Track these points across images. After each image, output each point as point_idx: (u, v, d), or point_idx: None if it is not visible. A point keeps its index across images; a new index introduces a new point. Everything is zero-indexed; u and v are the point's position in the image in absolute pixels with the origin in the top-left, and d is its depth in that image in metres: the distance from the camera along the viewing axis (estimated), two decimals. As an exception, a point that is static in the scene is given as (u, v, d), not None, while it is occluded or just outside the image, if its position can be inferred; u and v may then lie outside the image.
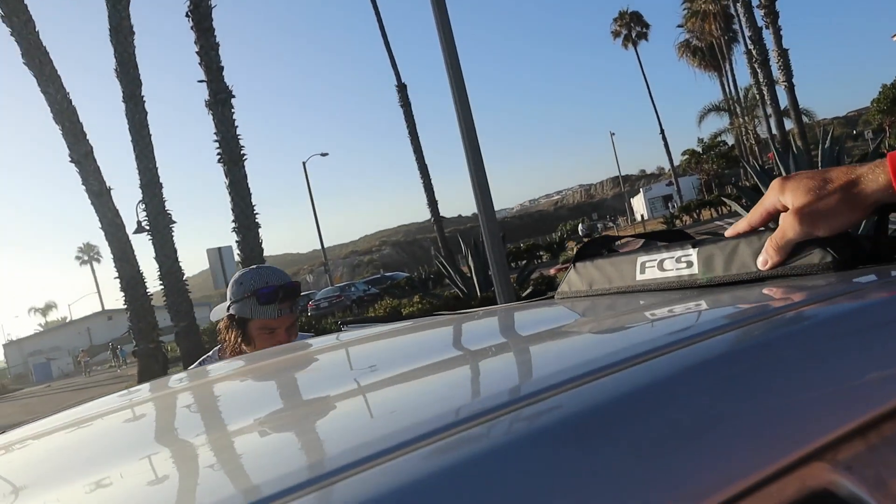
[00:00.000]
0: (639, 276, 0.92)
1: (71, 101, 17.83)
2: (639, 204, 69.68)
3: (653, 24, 60.02)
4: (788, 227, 0.74)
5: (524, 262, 33.71)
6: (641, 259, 0.93)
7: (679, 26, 55.88)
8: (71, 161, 17.87)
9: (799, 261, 0.74)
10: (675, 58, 59.91)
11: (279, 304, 2.22)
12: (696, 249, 0.85)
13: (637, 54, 57.97)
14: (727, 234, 0.86)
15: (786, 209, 0.75)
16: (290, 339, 2.25)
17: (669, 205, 58.47)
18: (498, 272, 7.12)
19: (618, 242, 1.12)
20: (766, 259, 0.77)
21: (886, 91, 53.79)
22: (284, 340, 2.21)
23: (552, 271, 22.38)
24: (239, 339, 2.25)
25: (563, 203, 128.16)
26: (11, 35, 17.30)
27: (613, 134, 62.27)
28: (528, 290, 14.05)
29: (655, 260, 0.90)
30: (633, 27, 57.72)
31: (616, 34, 58.66)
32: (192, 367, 2.29)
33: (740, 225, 0.85)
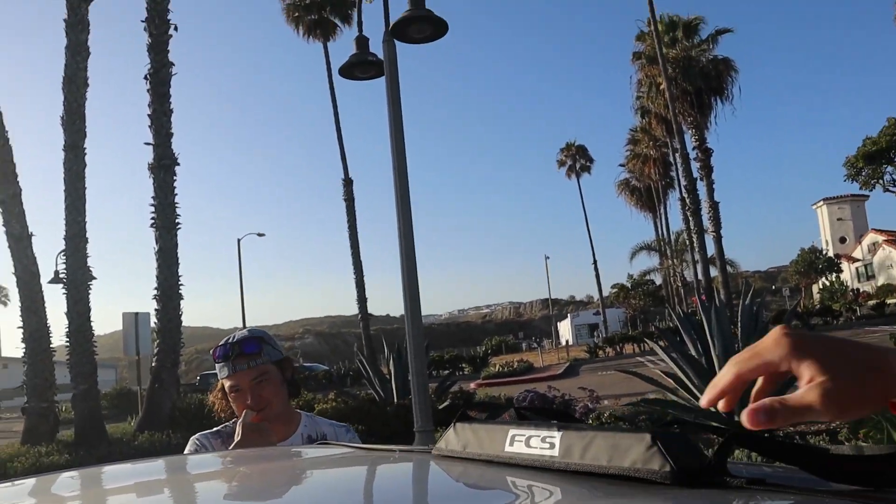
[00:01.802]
0: (507, 448, 0.96)
1: (8, 139, 17.47)
2: (565, 329, 70.73)
3: (597, 159, 63.06)
4: (817, 401, 0.63)
5: (447, 371, 33.57)
6: (512, 432, 0.97)
7: (621, 165, 58.74)
8: (-6, 200, 17.33)
9: (640, 462, 0.79)
10: (614, 194, 62.60)
11: (233, 360, 2.16)
12: (560, 433, 0.90)
13: (579, 185, 60.40)
14: (702, 403, 0.78)
15: (793, 374, 0.67)
16: (264, 397, 2.16)
17: (595, 333, 59.55)
18: (417, 381, 7.08)
19: (498, 410, 1.17)
20: (768, 417, 0.66)
21: (804, 255, 57.28)
22: (253, 400, 2.14)
23: (473, 386, 22.31)
24: (224, 404, 2.24)
25: (492, 317, 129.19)
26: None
27: (548, 258, 64.06)
28: (446, 403, 13.95)
29: (524, 436, 0.95)
30: (577, 159, 60.30)
31: (561, 163, 61.14)
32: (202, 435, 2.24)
33: (721, 381, 0.74)
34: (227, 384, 2.21)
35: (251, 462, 1.40)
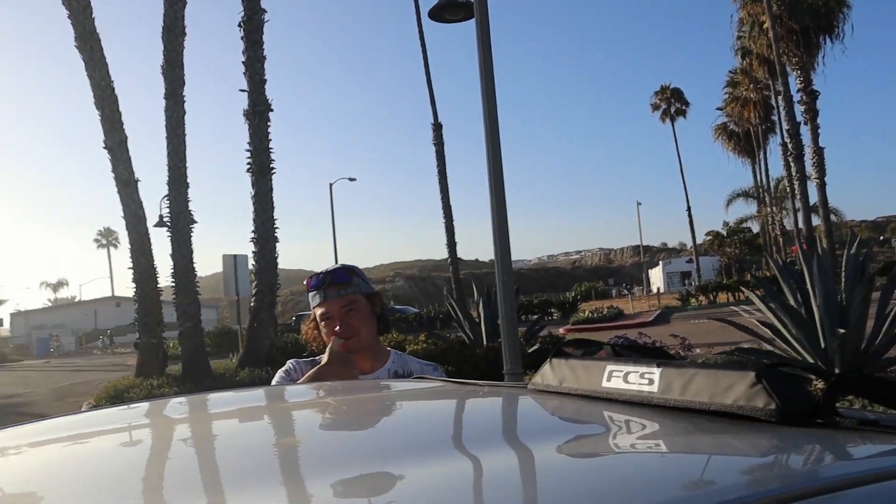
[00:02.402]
0: (604, 384, 0.96)
1: (114, 89, 18.20)
2: (656, 276, 69.47)
3: (693, 103, 60.46)
4: None
5: (535, 316, 33.63)
6: (610, 367, 0.97)
7: (718, 109, 56.09)
8: (104, 147, 18.16)
9: (743, 399, 0.78)
10: (710, 139, 60.24)
11: (325, 289, 2.25)
12: (660, 370, 0.89)
13: (674, 130, 58.25)
14: None
15: None
16: (353, 325, 2.22)
17: (687, 282, 58.25)
18: (506, 326, 7.11)
19: (593, 349, 1.17)
20: None
21: (918, 203, 53.65)
22: (343, 328, 2.21)
23: (562, 331, 22.29)
24: (315, 334, 2.33)
25: (581, 263, 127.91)
26: (68, 17, 17.74)
27: (640, 204, 62.61)
28: (535, 347, 13.98)
29: (622, 371, 0.95)
30: (672, 103, 58.08)
31: (655, 107, 59.05)
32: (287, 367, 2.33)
33: None
34: (318, 312, 2.29)
35: (349, 392, 1.44)
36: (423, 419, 1.14)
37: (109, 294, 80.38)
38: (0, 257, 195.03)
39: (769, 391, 0.75)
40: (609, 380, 0.96)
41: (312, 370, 2.17)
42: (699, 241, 63.70)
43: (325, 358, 2.16)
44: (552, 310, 39.46)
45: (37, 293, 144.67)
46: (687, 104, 58.55)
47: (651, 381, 0.89)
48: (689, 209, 56.91)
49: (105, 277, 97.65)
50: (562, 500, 0.56)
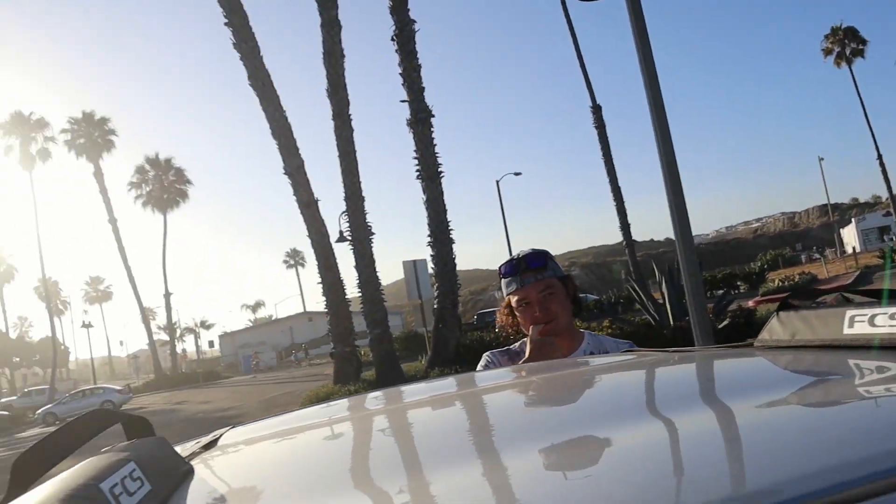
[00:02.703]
0: (846, 331, 0.91)
1: (287, 118, 19.40)
2: (850, 235, 63.99)
3: (870, 40, 54.82)
4: None
5: (721, 291, 32.07)
6: (850, 313, 0.92)
7: (905, 40, 50.65)
8: (284, 173, 19.41)
9: None
10: (895, 75, 54.33)
11: (521, 275, 2.24)
12: (915, 307, 0.83)
13: (851, 73, 53.16)
14: None
15: None
16: (551, 309, 2.22)
17: (886, 237, 53.22)
18: (694, 301, 6.82)
19: (825, 297, 1.10)
20: None
21: None
22: (542, 313, 2.21)
23: (752, 303, 21.13)
24: (510, 321, 2.33)
25: (764, 231, 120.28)
26: (240, 60, 19.12)
27: (822, 159, 57.81)
28: (725, 322, 13.40)
29: (867, 314, 0.89)
30: (847, 44, 52.99)
31: (827, 52, 54.17)
32: (492, 353, 2.37)
33: None
34: (514, 299, 2.27)
35: (560, 369, 1.43)
36: (635, 388, 1.11)
37: (301, 310, 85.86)
38: (207, 287, 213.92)
39: None
40: (851, 326, 0.90)
41: (521, 362, 2.16)
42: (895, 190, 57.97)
43: (527, 347, 2.16)
44: (738, 283, 37.44)
45: (239, 315, 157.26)
46: (864, 42, 53.24)
47: (907, 322, 0.83)
48: (879, 157, 51.85)
49: (296, 295, 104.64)
50: (836, 453, 0.54)
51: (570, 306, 2.30)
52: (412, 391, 1.40)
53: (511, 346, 2.37)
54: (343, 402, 1.42)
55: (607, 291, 41.95)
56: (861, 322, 0.89)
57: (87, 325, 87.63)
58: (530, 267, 2.25)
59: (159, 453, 0.75)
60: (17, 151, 50.72)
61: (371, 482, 0.67)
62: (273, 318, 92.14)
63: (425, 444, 0.85)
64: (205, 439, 1.09)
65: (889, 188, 55.41)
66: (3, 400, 53.60)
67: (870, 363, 0.85)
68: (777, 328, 1.06)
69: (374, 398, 1.37)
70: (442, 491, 0.58)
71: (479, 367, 2.31)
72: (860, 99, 52.27)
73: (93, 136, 51.00)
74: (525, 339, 2.30)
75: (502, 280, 2.32)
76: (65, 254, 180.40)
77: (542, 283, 2.23)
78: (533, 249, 2.32)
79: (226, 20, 18.94)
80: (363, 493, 0.62)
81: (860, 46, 53.27)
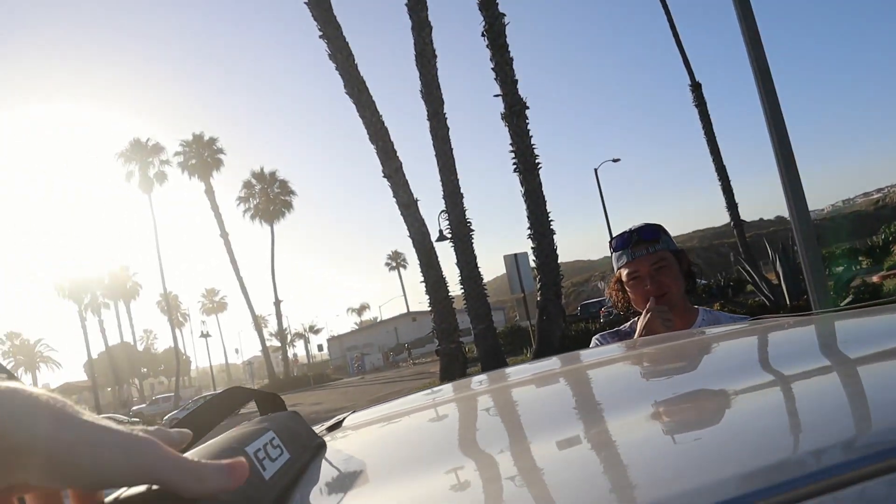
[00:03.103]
0: None
1: (383, 122, 19.74)
2: (985, 200, 59.48)
3: None
4: None
5: (840, 268, 30.46)
6: None
7: None
8: (384, 176, 19.76)
9: None
10: None
11: (632, 248, 2.20)
12: None
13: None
14: None
15: None
16: (664, 282, 2.16)
17: None
18: (814, 278, 6.49)
19: None
20: None
21: None
22: (653, 285, 2.16)
23: (877, 278, 19.97)
24: (620, 296, 2.30)
25: (886, 202, 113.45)
26: (336, 70, 19.59)
27: (950, 120, 53.59)
28: (848, 299, 12.73)
29: None
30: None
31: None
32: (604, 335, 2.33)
33: None
34: (624, 272, 2.23)
35: (687, 338, 1.35)
36: (783, 346, 1.02)
37: (405, 311, 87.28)
38: (314, 292, 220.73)
39: None
40: None
41: (639, 326, 2.11)
42: None
43: (638, 325, 2.11)
44: (860, 258, 35.43)
45: (345, 318, 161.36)
46: None
47: None
48: None
49: (399, 297, 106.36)
50: None
51: (683, 281, 2.22)
52: (518, 371, 1.39)
53: (621, 328, 2.33)
54: (451, 385, 1.43)
55: (716, 275, 40.62)
56: None
57: (205, 335, 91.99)
58: (643, 239, 2.19)
59: (295, 426, 0.79)
60: (137, 176, 54.27)
61: (481, 452, 0.68)
62: (378, 320, 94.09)
63: (531, 418, 0.84)
64: (330, 422, 1.14)
65: None
66: (134, 408, 57.23)
67: None
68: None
69: (480, 380, 1.37)
70: (548, 460, 0.57)
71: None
72: None
73: (203, 156, 53.62)
74: (636, 318, 2.25)
75: (613, 254, 2.28)
76: (183, 269, 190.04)
77: (655, 256, 2.18)
78: (646, 223, 2.27)
79: (320, 33, 19.45)
80: (473, 461, 0.63)
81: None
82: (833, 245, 42.70)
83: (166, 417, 37.28)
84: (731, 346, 1.12)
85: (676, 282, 2.19)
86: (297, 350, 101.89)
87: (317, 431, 1.03)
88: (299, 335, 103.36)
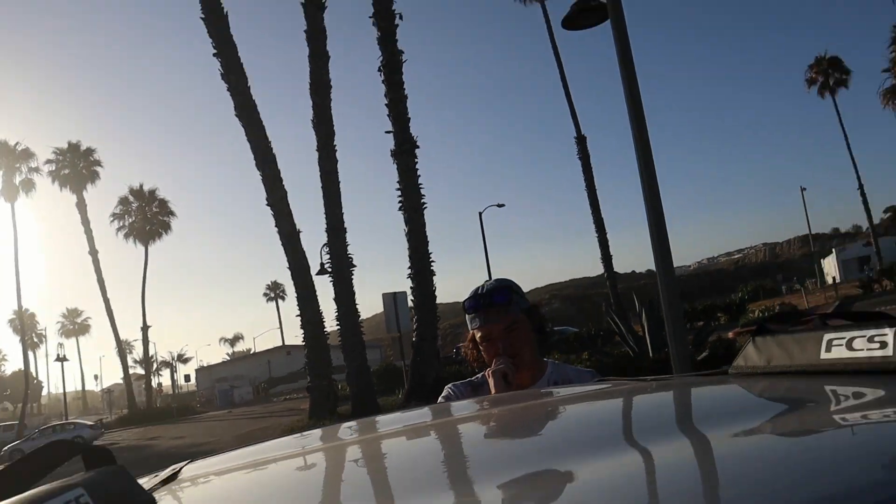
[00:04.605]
0: (823, 355, 0.87)
1: (272, 149, 19.42)
2: (830, 265, 64.68)
3: (853, 70, 55.80)
4: None
5: (701, 323, 32.22)
6: (828, 336, 0.88)
7: (885, 70, 51.35)
8: (267, 204, 19.36)
9: None
10: (878, 106, 54.98)
11: (484, 311, 2.21)
12: (893, 329, 0.80)
13: (835, 103, 53.97)
14: None
15: None
16: (515, 346, 2.18)
17: (866, 267, 53.79)
18: (674, 333, 6.81)
19: (804, 318, 1.06)
20: None
21: None
22: (506, 349, 2.16)
23: (731, 334, 21.20)
24: (475, 354, 2.29)
25: (745, 262, 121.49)
26: (228, 91, 19.16)
27: (804, 189, 58.23)
28: (705, 354, 13.40)
29: (844, 338, 0.85)
30: (830, 74, 53.80)
31: (811, 81, 54.94)
32: (454, 385, 2.33)
33: None
34: (478, 335, 2.24)
35: (518, 401, 1.40)
36: (607, 417, 1.07)
37: (280, 344, 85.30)
38: (186, 320, 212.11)
39: None
40: (829, 350, 0.87)
41: (491, 383, 2.12)
42: (876, 220, 58.83)
43: (492, 386, 2.12)
44: (718, 314, 37.65)
45: (217, 349, 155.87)
46: (847, 72, 53.92)
47: (884, 345, 0.80)
48: (860, 187, 52.58)
49: (275, 329, 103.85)
50: (805, 485, 0.50)
51: (534, 339, 2.27)
52: (375, 423, 1.38)
53: (474, 378, 2.33)
54: (302, 435, 1.38)
55: (587, 323, 41.99)
56: (839, 346, 0.85)
57: (61, 359, 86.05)
58: (494, 302, 2.20)
59: (116, 482, 0.70)
60: (0, 182, 50.23)
61: None
62: (251, 352, 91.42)
63: (381, 477, 0.82)
64: (165, 472, 1.05)
65: (869, 218, 56.13)
66: (-32, 437, 52.55)
67: (847, 389, 0.81)
68: (752, 354, 1.02)
69: (338, 429, 1.34)
70: None
71: (440, 399, 2.28)
72: (843, 129, 53.12)
73: (77, 166, 50.84)
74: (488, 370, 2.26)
75: (466, 315, 2.28)
76: (43, 286, 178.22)
77: (507, 319, 2.20)
78: (497, 282, 2.29)
79: (215, 51, 19.01)
80: None
81: (843, 76, 53.97)
82: (697, 301, 45.15)
83: (6, 448, 34.20)
84: (572, 411, 1.18)
85: (528, 343, 2.22)
86: (163, 379, 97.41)
87: (149, 481, 0.95)
88: (166, 364, 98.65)
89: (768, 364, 0.97)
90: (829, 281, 51.42)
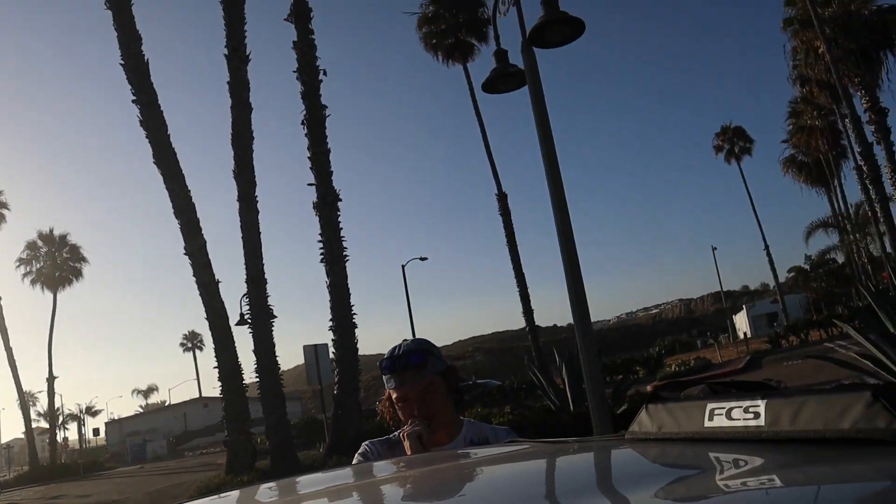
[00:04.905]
0: (707, 423, 0.92)
1: (191, 197, 19.05)
2: (741, 321, 67.17)
3: (756, 139, 59.27)
4: None
5: (620, 376, 32.85)
6: (711, 406, 0.93)
7: (784, 141, 54.73)
8: (185, 254, 18.90)
9: (862, 422, 0.73)
10: (779, 173, 58.55)
11: (400, 373, 2.21)
12: (765, 401, 0.85)
13: (740, 169, 57.16)
14: None
15: None
16: (431, 408, 2.19)
17: (775, 323, 56.10)
18: (592, 387, 6.94)
19: (688, 390, 1.12)
20: None
21: None
22: (421, 411, 2.17)
23: (649, 388, 21.68)
24: (391, 412, 2.29)
25: (662, 317, 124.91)
26: (147, 138, 18.79)
27: (715, 249, 60.85)
28: (624, 407, 13.63)
29: (724, 408, 0.91)
30: (736, 142, 57.08)
31: (718, 149, 58.09)
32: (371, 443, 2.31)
33: None
34: (393, 395, 2.26)
35: (431, 463, 1.42)
36: (511, 481, 1.10)
37: (197, 396, 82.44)
38: (97, 370, 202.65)
39: (890, 409, 0.71)
40: (711, 419, 0.92)
41: (406, 444, 2.13)
42: (782, 279, 61.69)
43: (407, 448, 2.13)
44: (637, 368, 38.47)
45: (129, 401, 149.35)
46: (751, 141, 57.37)
47: (757, 415, 0.85)
48: (766, 248, 55.37)
49: (192, 380, 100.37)
50: None
51: (450, 401, 2.29)
52: (294, 484, 1.36)
53: (391, 436, 2.33)
54: (219, 497, 1.35)
55: (510, 377, 42.21)
56: (720, 415, 0.91)
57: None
58: (411, 364, 2.22)
59: None
60: None
61: None
62: (166, 404, 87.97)
63: None
64: None
65: (775, 277, 58.87)
66: None
67: (728, 456, 0.86)
68: (646, 420, 1.07)
69: (255, 492, 1.32)
70: None
71: (356, 456, 2.28)
72: (748, 193, 56.11)
73: (-19, 210, 48.62)
74: (405, 427, 2.26)
75: (383, 375, 2.29)
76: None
77: (423, 382, 2.21)
78: (414, 343, 2.30)
79: (134, 98, 18.68)
80: None
81: (747, 145, 57.34)
82: (616, 354, 46.05)
83: None
84: (469, 478, 1.20)
85: (444, 404, 2.24)
86: (70, 434, 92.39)
87: None
88: (74, 417, 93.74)
89: (659, 430, 1.02)
90: (741, 336, 53.21)
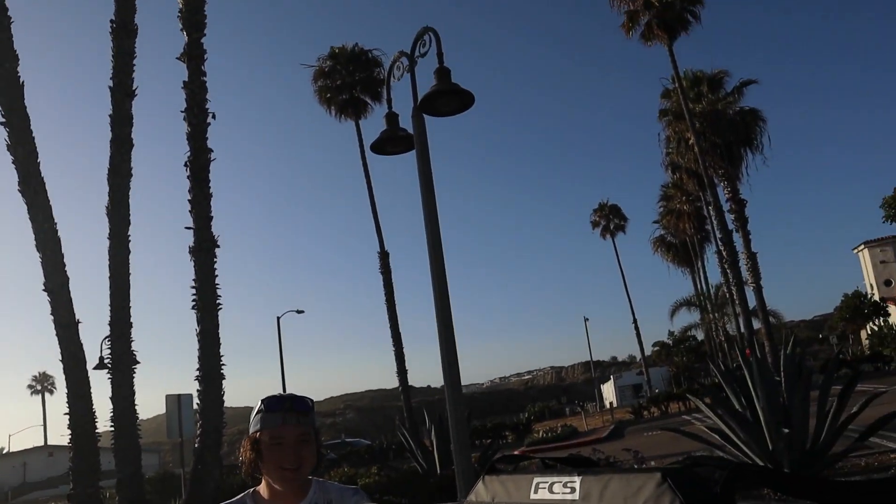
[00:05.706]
0: (532, 496, 1.02)
1: (57, 231, 18.03)
2: (609, 390, 69.50)
3: (630, 217, 62.75)
4: None
5: (489, 440, 33.12)
6: (537, 479, 1.03)
7: (655, 222, 58.42)
8: (44, 290, 17.77)
9: (652, 499, 0.84)
10: (650, 251, 62.04)
11: (285, 413, 2.21)
12: (580, 478, 0.96)
13: (614, 245, 60.17)
14: None
15: None
16: (302, 455, 2.20)
17: (639, 394, 58.39)
18: (459, 452, 7.02)
19: (524, 463, 1.22)
20: None
21: (848, 300, 55.66)
22: (293, 456, 2.18)
23: (516, 453, 21.96)
24: (252, 457, 2.26)
25: (534, 384, 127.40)
26: (13, 163, 17.75)
27: (587, 319, 62.81)
28: (488, 471, 13.79)
29: (547, 482, 1.01)
30: (611, 219, 60.21)
31: (595, 224, 61.09)
32: None
33: None
34: (269, 434, 2.23)
35: None
36: None
37: (42, 443, 76.37)
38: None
39: (673, 489, 0.82)
40: (536, 492, 1.01)
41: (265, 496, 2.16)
42: (647, 352, 64.58)
43: (264, 490, 2.17)
44: (506, 432, 38.93)
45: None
46: (625, 219, 60.79)
47: (573, 490, 0.95)
48: (635, 322, 58.02)
49: (38, 426, 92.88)
50: None
51: (315, 458, 2.31)
52: None
53: (238, 498, 2.36)
54: None
55: (380, 436, 41.74)
56: (543, 488, 1.01)
57: None
58: (297, 409, 2.25)
59: None
60: None
61: None
62: (4, 451, 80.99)
63: None
64: None
65: (642, 350, 61.55)
66: None
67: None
68: (482, 491, 1.15)
69: None
70: None
71: None
72: (620, 268, 58.96)
73: None
74: (255, 488, 2.32)
75: (262, 413, 2.27)
76: None
77: (304, 429, 2.24)
78: (301, 396, 2.34)
79: (3, 119, 17.68)
80: None
81: (622, 222, 60.64)
82: (487, 418, 46.46)
83: None
84: None
85: (312, 458, 2.26)
86: None
87: None
88: None
89: (493, 500, 1.11)
90: (608, 405, 55.04)
